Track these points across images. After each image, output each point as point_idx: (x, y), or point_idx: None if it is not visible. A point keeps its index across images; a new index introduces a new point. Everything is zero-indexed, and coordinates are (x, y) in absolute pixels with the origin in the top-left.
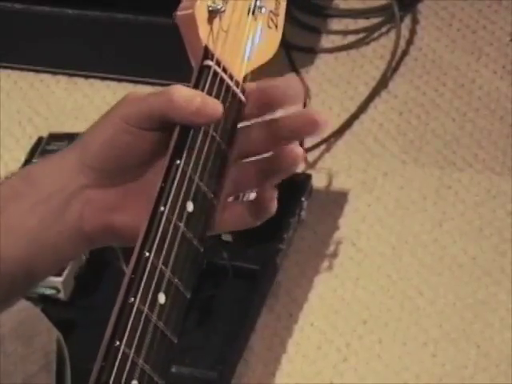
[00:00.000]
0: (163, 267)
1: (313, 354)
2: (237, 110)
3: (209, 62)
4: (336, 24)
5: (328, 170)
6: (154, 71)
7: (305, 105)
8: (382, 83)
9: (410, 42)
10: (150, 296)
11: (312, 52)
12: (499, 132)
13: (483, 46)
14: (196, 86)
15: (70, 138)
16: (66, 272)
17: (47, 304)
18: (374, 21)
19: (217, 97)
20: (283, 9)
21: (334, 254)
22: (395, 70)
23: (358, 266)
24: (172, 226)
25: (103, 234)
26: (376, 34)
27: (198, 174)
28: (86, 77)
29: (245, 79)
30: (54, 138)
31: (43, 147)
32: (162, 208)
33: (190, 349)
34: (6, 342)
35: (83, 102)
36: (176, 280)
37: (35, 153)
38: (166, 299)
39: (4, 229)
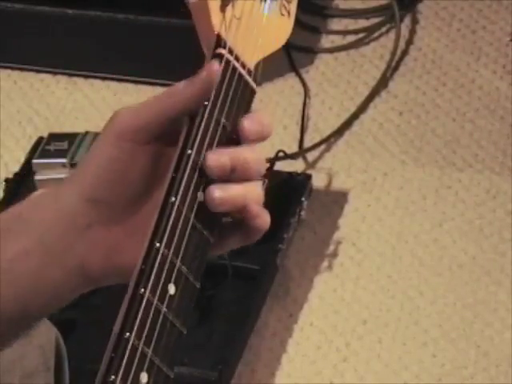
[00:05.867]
0: (174, 258)
1: (313, 353)
2: (248, 98)
3: (221, 50)
4: (336, 24)
5: (328, 170)
6: (154, 71)
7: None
8: (382, 83)
9: (409, 42)
10: (160, 287)
11: (312, 52)
12: (499, 132)
13: (483, 46)
14: None
15: (70, 137)
16: None
17: None
18: (374, 21)
19: (229, 85)
20: None
21: (334, 254)
22: (395, 69)
23: (358, 266)
24: (183, 216)
25: (108, 275)
26: (376, 34)
27: None
28: (86, 77)
29: (257, 67)
30: (54, 137)
31: (43, 147)
32: (173, 198)
33: (190, 349)
34: None
35: (83, 102)
36: (186, 270)
37: (35, 153)
38: (176, 290)
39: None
